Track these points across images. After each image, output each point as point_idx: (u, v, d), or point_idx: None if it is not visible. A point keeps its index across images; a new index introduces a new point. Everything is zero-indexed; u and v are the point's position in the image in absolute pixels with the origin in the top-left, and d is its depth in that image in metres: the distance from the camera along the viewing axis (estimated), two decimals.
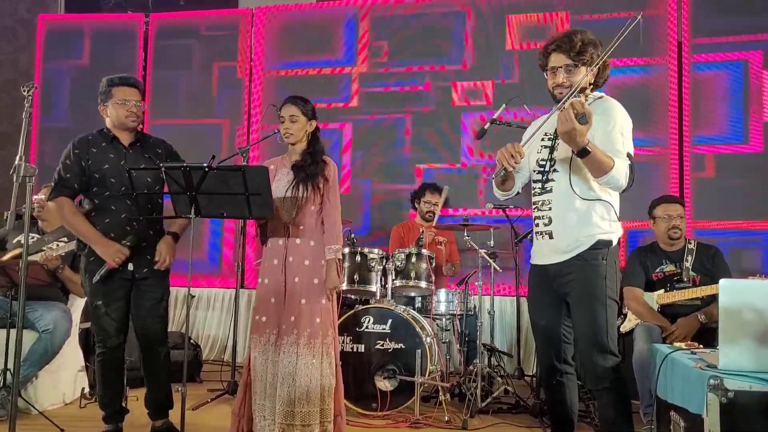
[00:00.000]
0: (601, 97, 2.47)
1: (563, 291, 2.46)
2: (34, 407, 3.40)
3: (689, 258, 3.55)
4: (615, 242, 2.42)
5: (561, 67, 2.43)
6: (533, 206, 2.56)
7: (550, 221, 2.46)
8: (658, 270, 3.59)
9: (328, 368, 2.91)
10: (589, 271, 2.38)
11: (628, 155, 2.32)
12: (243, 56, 5.89)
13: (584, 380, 2.52)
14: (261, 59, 5.87)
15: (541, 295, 2.55)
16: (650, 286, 3.58)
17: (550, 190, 2.46)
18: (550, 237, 2.46)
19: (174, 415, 3.12)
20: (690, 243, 3.61)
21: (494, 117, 4.00)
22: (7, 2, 6.49)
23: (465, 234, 4.09)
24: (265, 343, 2.93)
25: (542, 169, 2.50)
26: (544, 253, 2.51)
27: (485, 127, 3.96)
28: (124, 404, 3.23)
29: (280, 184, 3.00)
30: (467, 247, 4.20)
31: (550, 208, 2.46)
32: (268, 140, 4.24)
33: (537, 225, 2.53)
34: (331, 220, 3.00)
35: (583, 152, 2.21)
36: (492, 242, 4.23)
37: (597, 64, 2.39)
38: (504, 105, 4.05)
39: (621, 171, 2.27)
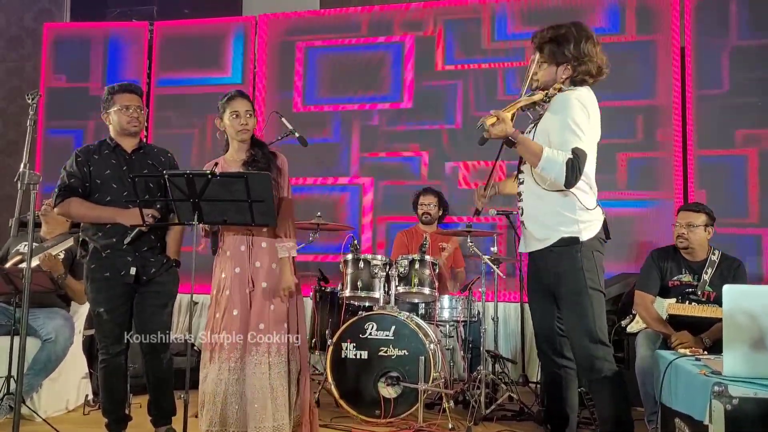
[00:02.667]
0: (569, 91, 2.50)
1: (550, 287, 2.54)
2: (37, 414, 3.40)
3: (709, 270, 3.43)
4: (586, 236, 2.45)
5: (534, 60, 2.57)
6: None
7: (523, 212, 2.60)
8: (675, 278, 3.50)
9: (295, 374, 2.85)
10: (565, 266, 2.46)
11: (574, 150, 2.34)
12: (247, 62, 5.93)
13: (579, 373, 2.54)
14: (264, 63, 5.89)
15: (534, 287, 2.66)
16: (664, 292, 3.49)
17: (523, 182, 2.60)
18: (525, 226, 2.60)
19: (177, 423, 3.12)
20: (714, 254, 3.47)
21: None
22: (13, 11, 6.54)
23: (468, 240, 4.08)
24: (226, 359, 2.76)
25: (520, 162, 2.64)
26: (525, 241, 2.66)
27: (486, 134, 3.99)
28: (127, 411, 3.23)
29: None
30: (471, 254, 4.19)
31: (522, 200, 2.61)
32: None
33: (519, 216, 2.66)
34: (284, 213, 2.84)
35: (508, 142, 2.42)
36: (495, 248, 4.23)
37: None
38: None
39: (552, 161, 2.32)
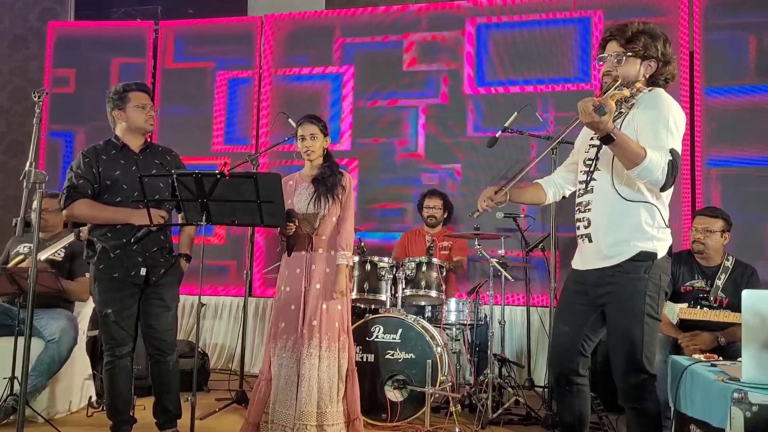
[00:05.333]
0: (651, 90, 2.33)
1: (600, 302, 2.35)
2: (40, 415, 3.37)
3: (722, 276, 3.39)
4: (661, 254, 2.27)
5: (611, 55, 2.34)
6: (576, 208, 2.44)
7: (590, 224, 2.35)
8: (687, 284, 3.46)
9: (343, 372, 3.14)
10: (629, 287, 2.27)
11: (672, 151, 2.18)
12: (252, 63, 5.91)
13: (619, 397, 2.42)
14: (270, 66, 5.86)
15: (574, 300, 2.44)
16: (676, 297, 3.45)
17: (592, 191, 2.36)
18: (590, 240, 2.36)
19: (182, 425, 3.09)
20: (728, 260, 3.44)
21: (505, 125, 4.00)
22: (18, 11, 6.52)
23: (476, 243, 4.05)
24: (282, 348, 3.10)
25: (587, 168, 2.40)
26: (585, 257, 2.40)
27: (496, 135, 3.97)
28: (132, 413, 3.20)
29: (302, 199, 3.16)
30: (478, 256, 4.16)
31: (590, 210, 2.36)
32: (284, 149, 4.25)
33: (578, 228, 2.42)
34: (345, 228, 3.19)
35: (607, 138, 2.10)
36: (503, 251, 4.20)
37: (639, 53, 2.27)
38: (516, 113, 4.04)
39: (656, 163, 2.11)
